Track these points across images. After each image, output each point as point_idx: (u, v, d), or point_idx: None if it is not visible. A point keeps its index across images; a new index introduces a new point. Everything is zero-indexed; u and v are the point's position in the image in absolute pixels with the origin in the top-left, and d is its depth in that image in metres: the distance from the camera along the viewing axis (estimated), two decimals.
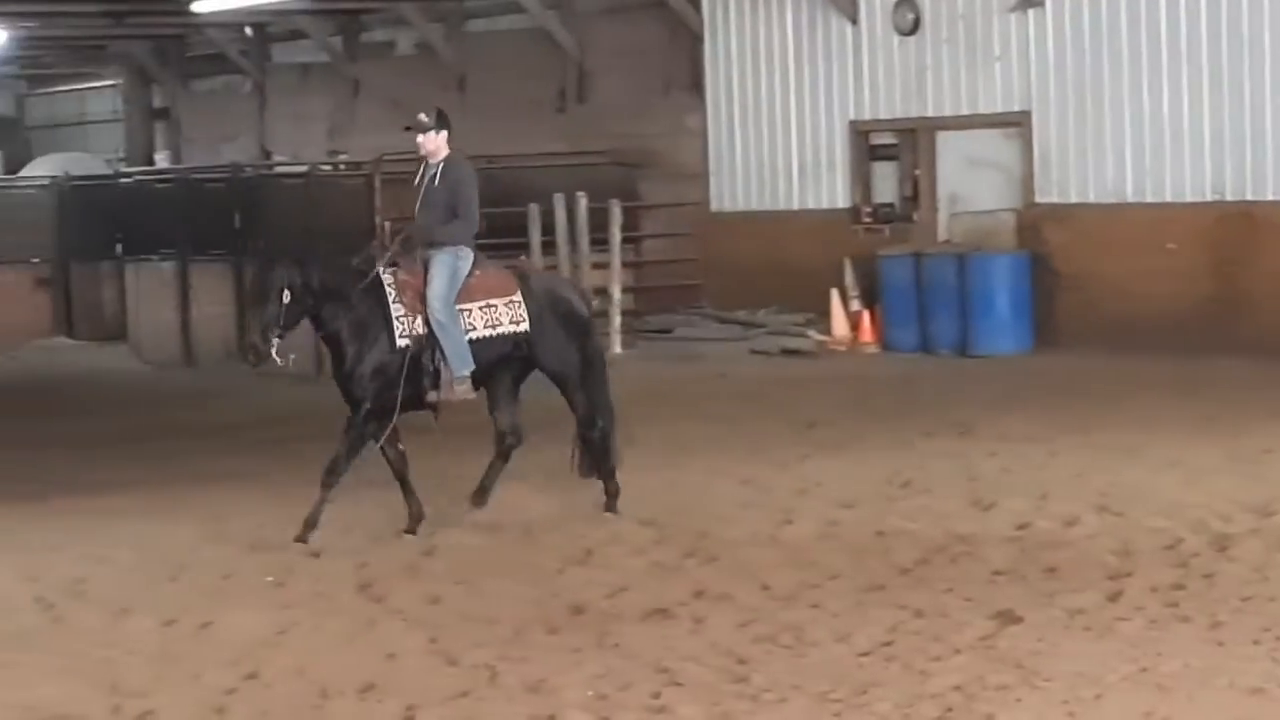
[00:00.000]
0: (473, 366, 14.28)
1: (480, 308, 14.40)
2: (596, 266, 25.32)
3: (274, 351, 14.13)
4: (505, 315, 14.45)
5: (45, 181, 34.00)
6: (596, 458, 14.83)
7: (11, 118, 42.07)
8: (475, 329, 14.34)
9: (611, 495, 14.74)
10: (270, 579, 12.86)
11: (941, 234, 25.27)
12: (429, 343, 14.15)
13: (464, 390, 14.28)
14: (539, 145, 28.55)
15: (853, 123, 26.40)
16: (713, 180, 27.96)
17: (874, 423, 18.58)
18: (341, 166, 30.31)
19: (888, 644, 10.60)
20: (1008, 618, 11.00)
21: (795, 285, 25.39)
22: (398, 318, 14.06)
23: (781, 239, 26.46)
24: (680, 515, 14.44)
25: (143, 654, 11.11)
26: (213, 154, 35.62)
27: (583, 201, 25.31)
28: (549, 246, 25.20)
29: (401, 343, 14.05)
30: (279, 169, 32.22)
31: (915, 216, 25.80)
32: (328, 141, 33.48)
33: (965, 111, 25.27)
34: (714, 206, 27.91)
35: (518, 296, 14.54)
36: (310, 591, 12.53)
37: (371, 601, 12.22)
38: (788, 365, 23.25)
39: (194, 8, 28.35)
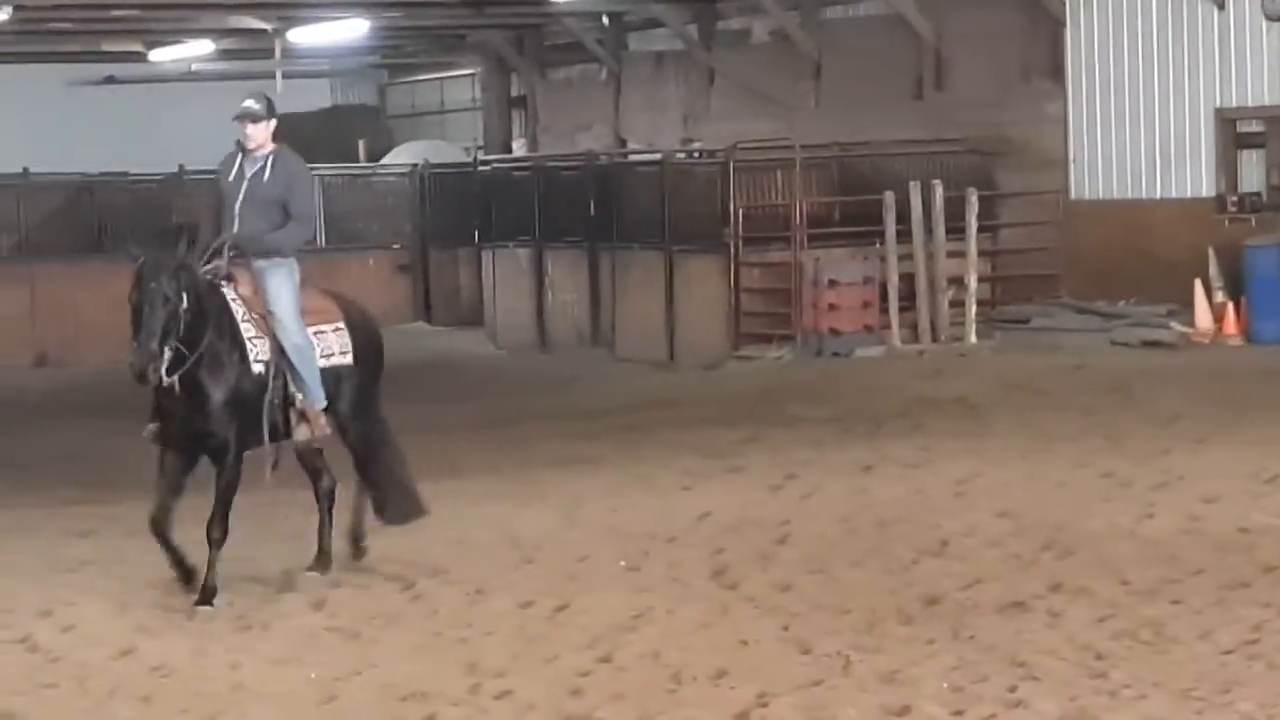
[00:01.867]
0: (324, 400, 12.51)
1: (315, 333, 12.47)
2: (952, 255, 25.22)
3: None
4: (335, 344, 12.58)
5: (405, 169, 34.67)
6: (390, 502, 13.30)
7: (373, 107, 42.84)
8: (329, 355, 12.51)
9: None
10: (624, 564, 13.01)
11: None
12: (280, 370, 12.08)
13: (324, 425, 12.46)
14: (894, 133, 28.41)
15: (1219, 110, 25.99)
16: (1073, 168, 27.67)
17: (1238, 417, 18.23)
18: (696, 154, 30.46)
19: (1252, 642, 10.41)
20: None
21: (1157, 275, 25.06)
22: (250, 339, 11.97)
23: (1143, 228, 26.15)
24: (1037, 507, 14.33)
25: (500, 635, 11.31)
26: (569, 142, 35.99)
27: (939, 190, 25.22)
28: (903, 235, 25.15)
29: (257, 369, 11.96)
30: (634, 157, 32.48)
31: (1275, 206, 25.36)
32: (682, 129, 33.63)
33: None
34: (1074, 195, 27.63)
35: (342, 324, 12.76)
36: (664, 577, 12.64)
37: (725, 588, 12.29)
38: (1149, 357, 22.90)
39: None
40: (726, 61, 33.77)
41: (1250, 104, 25.71)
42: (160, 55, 36.44)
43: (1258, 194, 25.58)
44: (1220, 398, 19.62)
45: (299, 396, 12.14)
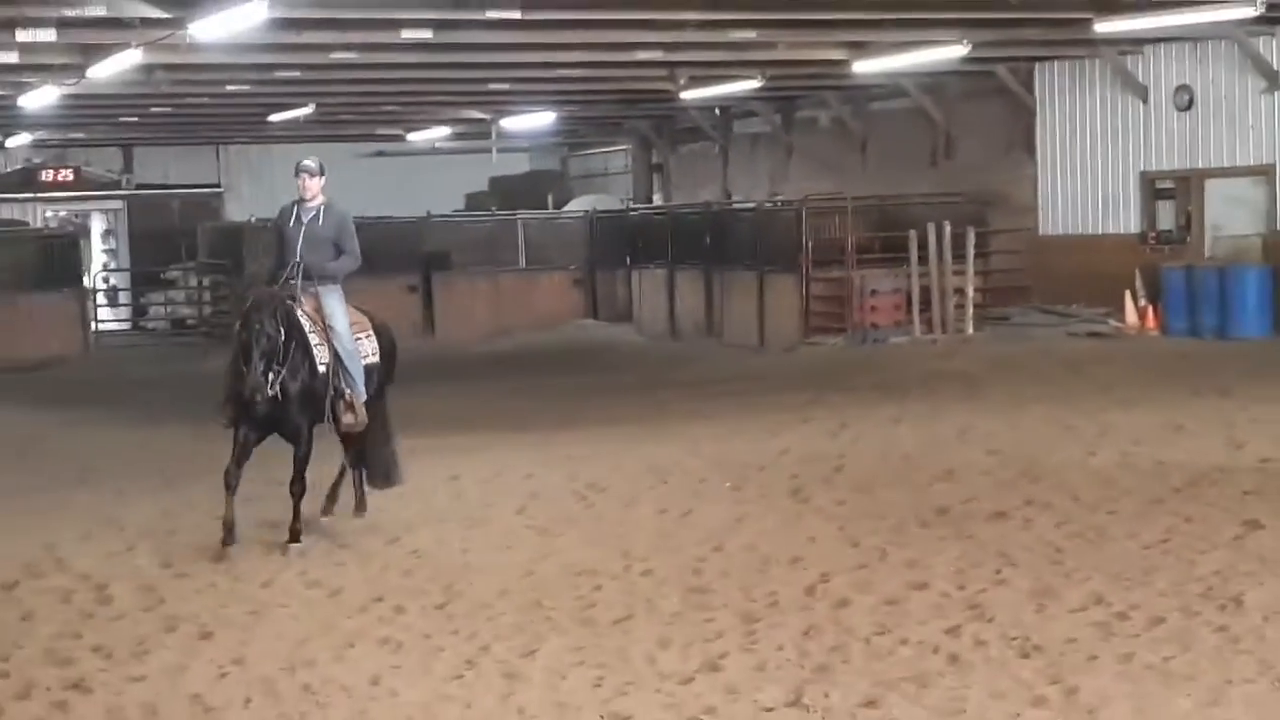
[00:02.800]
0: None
1: (355, 340, 11.77)
2: (956, 273, 25.12)
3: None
4: (368, 347, 11.92)
5: (580, 214, 34.76)
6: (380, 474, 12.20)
7: (558, 171, 42.96)
8: (365, 357, 11.82)
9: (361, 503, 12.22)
10: (729, 485, 13.07)
11: (1207, 252, 24.51)
12: (336, 371, 11.40)
13: (364, 413, 11.62)
14: (916, 189, 28.24)
15: (1143, 172, 25.74)
16: (1041, 213, 27.45)
17: (1156, 386, 18.07)
18: (779, 204, 30.35)
19: (1165, 540, 10.40)
20: (1254, 525, 10.68)
21: (1099, 288, 24.84)
22: (315, 347, 11.29)
23: (1090, 254, 25.92)
24: (1016, 447, 14.25)
25: (644, 532, 11.45)
26: (691, 195, 35.98)
27: (947, 228, 25.08)
28: (922, 259, 25.07)
29: (321, 370, 11.29)
30: (736, 205, 32.43)
31: (1187, 240, 25.07)
32: (769, 187, 33.55)
33: (1225, 164, 24.51)
34: (1041, 231, 27.39)
35: (371, 332, 12.08)
36: (757, 494, 12.71)
37: (798, 502, 12.36)
38: (1093, 345, 22.73)
39: (682, 96, 28.68)
40: (800, 140, 33.63)
41: (1165, 168, 25.47)
42: (414, 136, 36.68)
43: (1170, 231, 25.31)
44: (1143, 373, 19.44)
45: (348, 391, 11.49)
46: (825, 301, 25.99)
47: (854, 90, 29.61)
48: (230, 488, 11.09)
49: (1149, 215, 25.82)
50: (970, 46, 22.35)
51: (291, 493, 11.26)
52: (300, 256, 11.52)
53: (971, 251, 25.36)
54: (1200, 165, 24.94)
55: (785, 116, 33.64)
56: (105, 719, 7.55)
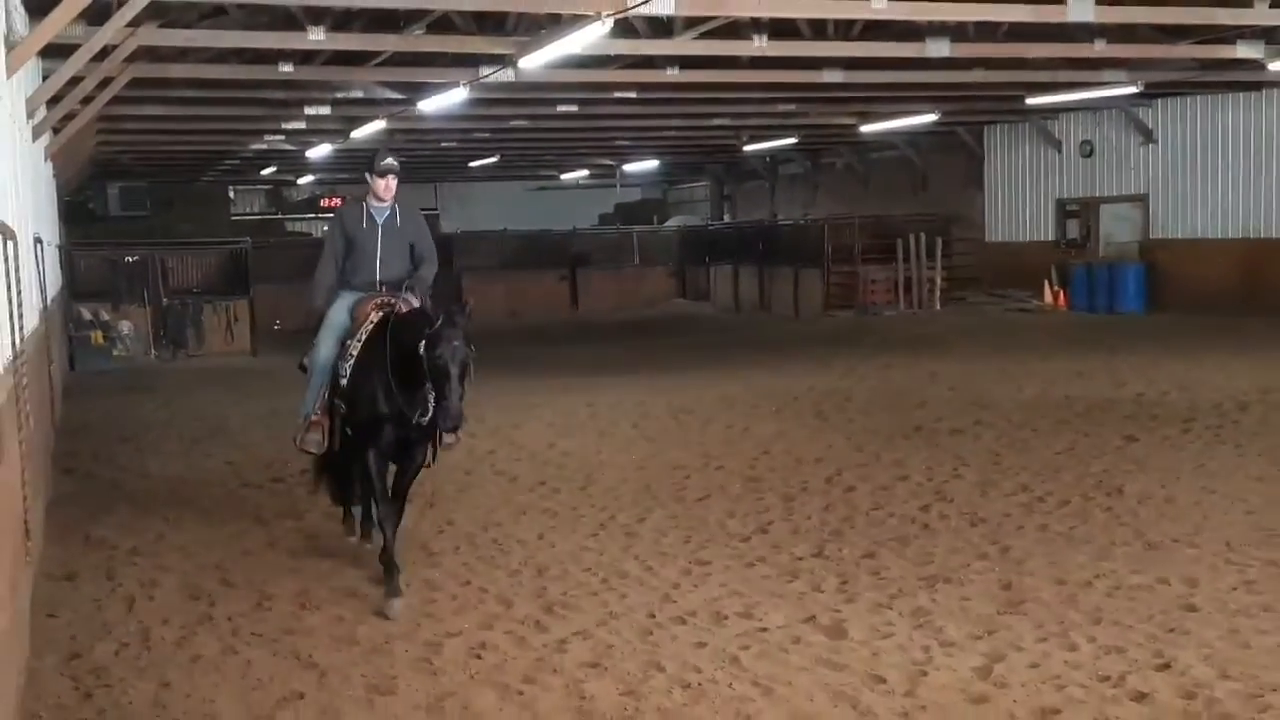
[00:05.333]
0: None
1: None
2: (929, 268, 24.86)
3: None
4: None
5: (674, 228, 34.64)
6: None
7: (660, 199, 42.82)
8: None
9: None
10: (775, 409, 12.94)
11: (1101, 254, 24.07)
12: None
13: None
14: (902, 211, 27.95)
15: (1058, 199, 25.27)
16: (987, 227, 27.03)
17: (1064, 345, 17.76)
18: (809, 221, 30.07)
19: (1070, 449, 10.26)
20: (1131, 439, 10.51)
21: (1027, 278, 24.50)
22: None
23: (1021, 256, 25.53)
24: (969, 386, 13.97)
25: (717, 440, 11.30)
26: (749, 215, 35.74)
27: (923, 237, 24.79)
28: (906, 259, 24.82)
29: None
30: (780, 222, 32.14)
31: (1088, 245, 24.63)
32: (803, 210, 33.25)
33: (1114, 194, 24.04)
34: (988, 239, 26.99)
35: None
36: (792, 415, 12.57)
37: (821, 420, 12.24)
38: (1022, 317, 22.37)
39: (744, 149, 28.56)
40: (823, 178, 33.31)
41: (1072, 196, 25.02)
42: (567, 176, 36.71)
43: (1075, 239, 24.88)
44: (1056, 336, 19.13)
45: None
46: (840, 288, 25.72)
47: (860, 144, 29.30)
48: (373, 532, 7.24)
49: (1061, 228, 25.44)
50: (939, 115, 22.24)
51: (384, 527, 6.75)
52: (380, 264, 7.14)
53: (939, 253, 25.22)
54: (1097, 194, 24.56)
55: (814, 162, 33.36)
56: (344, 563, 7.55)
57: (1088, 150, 24.67)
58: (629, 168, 34.41)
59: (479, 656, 5.59)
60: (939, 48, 14.22)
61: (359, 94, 17.47)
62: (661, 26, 13.58)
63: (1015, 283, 24.89)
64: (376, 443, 6.69)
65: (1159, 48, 15.75)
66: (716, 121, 23.11)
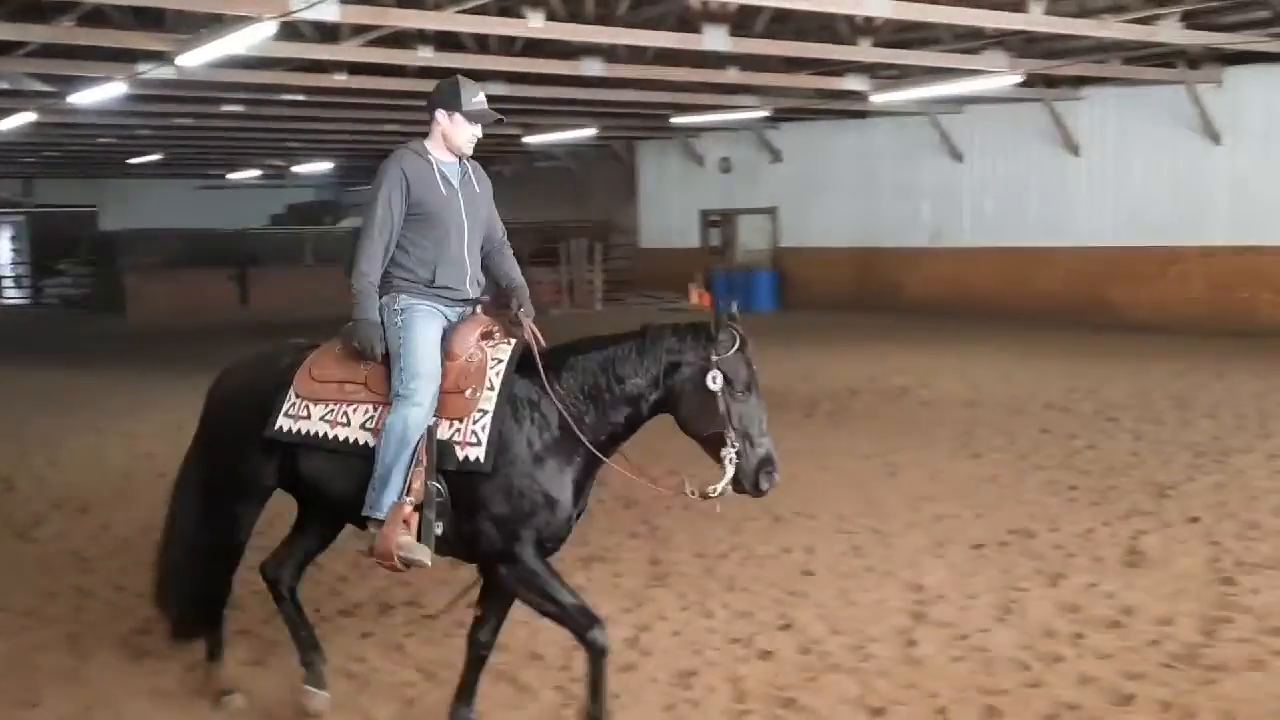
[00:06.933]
0: None
1: None
2: (590, 272, 25.45)
3: None
4: None
5: (348, 229, 33.60)
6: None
7: (334, 200, 41.20)
8: None
9: None
10: None
11: (738, 260, 25.44)
12: None
13: None
14: (566, 218, 28.46)
15: (701, 210, 26.50)
16: (641, 234, 27.97)
17: None
18: None
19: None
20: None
21: (676, 281, 25.53)
22: None
23: (670, 261, 26.57)
24: None
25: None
26: None
27: (584, 242, 25.35)
28: (569, 261, 25.31)
29: None
30: None
31: (727, 252, 25.97)
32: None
33: (748, 206, 25.45)
34: (642, 245, 27.95)
35: None
36: None
37: None
38: (672, 317, 23.15)
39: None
40: (494, 187, 33.34)
41: (714, 208, 26.29)
42: (236, 175, 34.68)
43: (718, 246, 26.19)
44: None
45: None
46: None
47: (526, 154, 29.51)
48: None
49: (705, 236, 26.64)
50: (597, 129, 22.74)
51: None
52: (468, 250, 4.31)
53: (599, 257, 25.81)
54: (735, 207, 25.87)
55: (485, 171, 33.29)
56: None
57: (726, 166, 26.00)
58: (300, 169, 33.04)
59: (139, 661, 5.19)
60: (593, 67, 14.58)
61: (4, 85, 15.85)
62: (329, 32, 13.16)
63: (666, 285, 25.89)
64: (541, 536, 4.01)
65: (784, 76, 16.85)
66: (389, 127, 22.64)
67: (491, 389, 4.01)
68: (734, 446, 3.90)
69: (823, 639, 5.34)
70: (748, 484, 3.91)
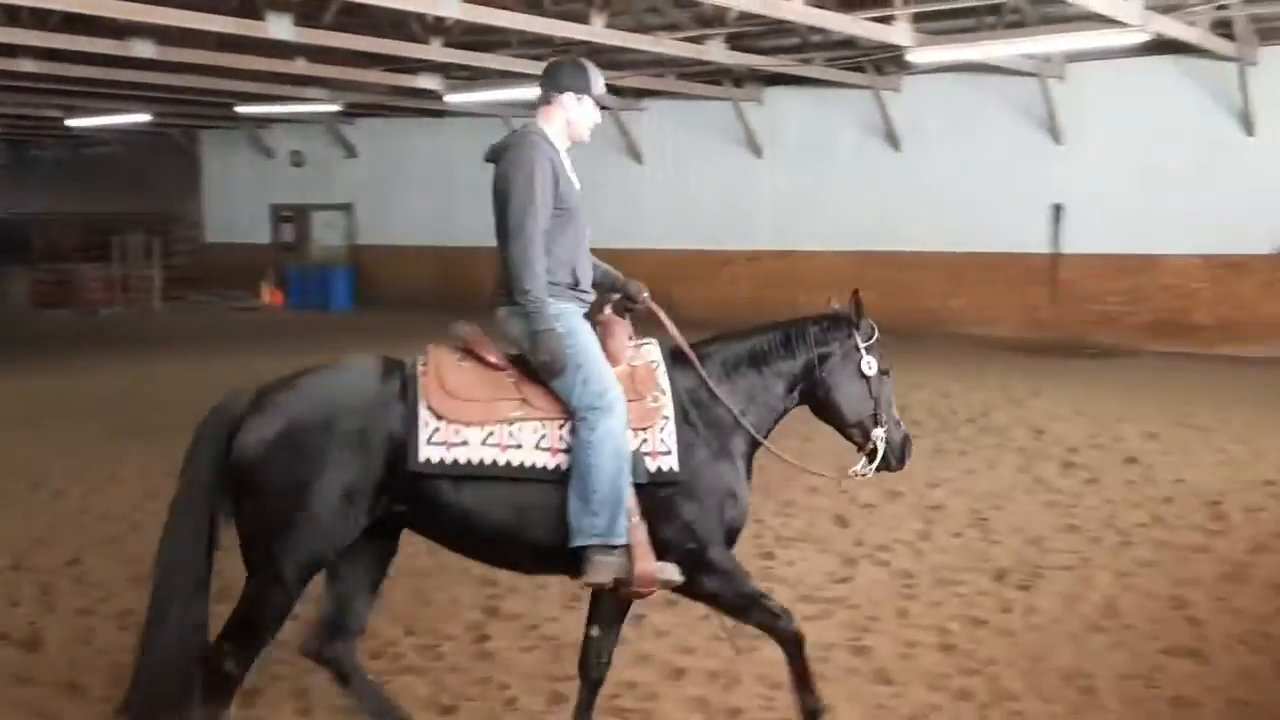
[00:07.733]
0: None
1: None
2: (148, 268, 23.71)
3: None
4: None
5: None
6: None
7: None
8: None
9: None
10: None
11: (313, 256, 24.76)
12: None
13: None
14: (124, 210, 26.16)
15: (271, 205, 25.39)
16: (207, 228, 26.36)
17: (278, 340, 17.69)
18: (10, 215, 26.83)
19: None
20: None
21: (246, 279, 24.35)
22: None
23: (238, 257, 25.30)
24: (192, 379, 13.51)
25: None
26: None
27: (142, 237, 23.55)
28: (125, 257, 23.38)
29: None
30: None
31: (300, 249, 25.17)
32: (3, 203, 29.67)
33: (323, 201, 24.79)
34: (208, 240, 26.38)
35: None
36: None
37: (30, 426, 11.01)
38: (245, 316, 22.23)
39: None
40: (30, 172, 29.97)
41: (287, 203, 25.31)
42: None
43: (291, 242, 25.31)
44: (271, 333, 19.07)
45: None
46: (53, 286, 23.49)
47: (72, 139, 26.85)
48: None
49: (277, 232, 25.61)
50: (152, 116, 21.25)
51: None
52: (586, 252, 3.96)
53: (158, 252, 24.21)
54: (308, 202, 25.11)
55: (18, 154, 29.93)
56: None
57: (298, 160, 25.13)
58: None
59: None
60: (144, 48, 13.51)
61: None
62: None
63: (235, 282, 24.61)
64: (729, 533, 3.87)
65: (355, 71, 16.51)
66: None
67: (664, 393, 3.82)
68: (883, 427, 3.97)
69: (397, 640, 5.31)
70: (896, 461, 4.02)
